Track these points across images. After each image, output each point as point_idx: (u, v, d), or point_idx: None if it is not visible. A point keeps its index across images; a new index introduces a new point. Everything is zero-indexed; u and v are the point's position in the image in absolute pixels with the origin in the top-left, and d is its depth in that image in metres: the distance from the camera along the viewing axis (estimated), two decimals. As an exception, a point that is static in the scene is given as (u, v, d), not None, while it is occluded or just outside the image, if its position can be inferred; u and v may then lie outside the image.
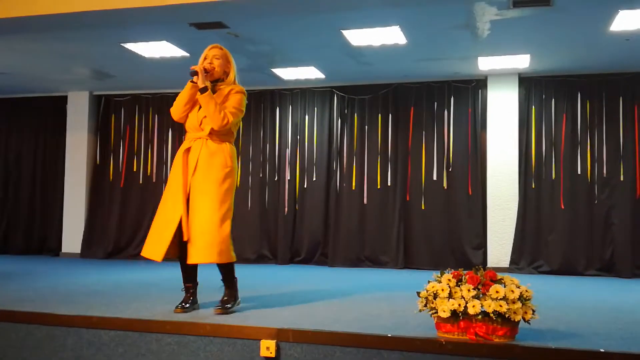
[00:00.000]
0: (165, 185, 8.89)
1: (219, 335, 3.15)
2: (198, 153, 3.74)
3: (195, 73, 3.76)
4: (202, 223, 3.61)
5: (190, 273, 3.85)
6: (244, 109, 3.92)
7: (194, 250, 3.60)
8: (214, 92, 3.81)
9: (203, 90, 3.71)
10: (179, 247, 3.72)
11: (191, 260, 3.62)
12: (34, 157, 9.50)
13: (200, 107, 3.77)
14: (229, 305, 3.77)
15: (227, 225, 3.69)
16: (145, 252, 3.73)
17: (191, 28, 6.09)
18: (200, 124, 3.78)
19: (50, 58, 7.44)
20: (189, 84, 3.80)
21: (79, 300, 4.26)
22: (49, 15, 5.33)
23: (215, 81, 3.90)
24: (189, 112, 3.84)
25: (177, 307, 3.75)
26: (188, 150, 3.78)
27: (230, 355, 3.11)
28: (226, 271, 3.84)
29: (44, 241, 9.33)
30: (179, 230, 3.65)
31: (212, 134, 3.76)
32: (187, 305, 3.78)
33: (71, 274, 6.45)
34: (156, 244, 3.66)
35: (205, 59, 3.88)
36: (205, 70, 3.80)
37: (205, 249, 3.59)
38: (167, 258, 3.72)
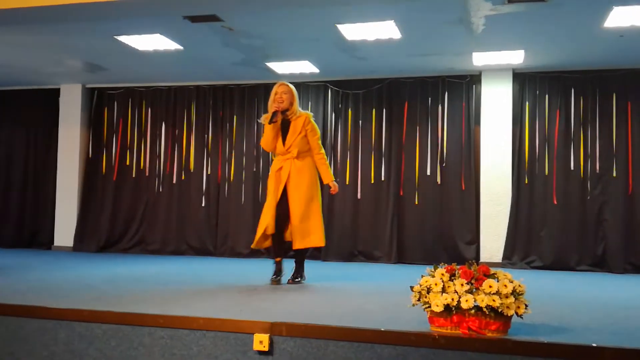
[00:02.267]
0: (158, 179, 8.88)
1: (212, 329, 3.14)
2: (289, 170, 5.03)
3: (275, 115, 5.01)
4: (299, 218, 4.97)
5: (280, 250, 5.17)
6: (318, 131, 5.22)
7: (295, 238, 5.01)
8: (287, 121, 5.07)
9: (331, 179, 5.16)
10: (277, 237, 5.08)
11: (295, 246, 5.06)
12: (26, 150, 9.44)
13: (283, 136, 5.07)
14: (298, 279, 5.15)
15: (318, 217, 5.04)
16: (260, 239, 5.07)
17: (185, 21, 6.06)
18: (288, 149, 5.05)
19: (42, 50, 7.39)
20: (269, 127, 5.07)
21: (71, 293, 4.24)
22: (41, 7, 5.28)
23: (284, 111, 5.06)
24: (276, 143, 5.09)
25: (272, 279, 5.06)
26: (280, 169, 5.06)
27: (224, 349, 3.10)
28: (302, 254, 5.22)
29: (36, 234, 9.29)
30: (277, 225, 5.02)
31: (297, 155, 5.04)
32: (279, 276, 5.08)
33: (63, 267, 6.42)
34: (264, 237, 5.07)
35: (276, 94, 5.04)
36: (275, 113, 5.04)
37: (303, 237, 4.99)
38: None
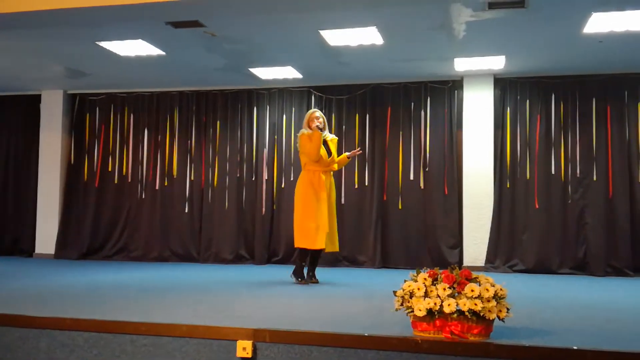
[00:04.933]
0: (141, 185, 8.81)
1: (195, 336, 3.12)
2: (330, 180, 5.87)
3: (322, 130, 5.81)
4: (334, 225, 5.85)
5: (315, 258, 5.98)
6: None
7: (336, 240, 5.88)
8: (324, 140, 5.82)
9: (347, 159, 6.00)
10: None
11: (333, 248, 5.92)
12: (7, 156, 9.34)
13: (329, 153, 5.83)
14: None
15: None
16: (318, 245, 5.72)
17: (167, 27, 6.04)
18: (330, 163, 5.84)
19: (23, 56, 7.32)
20: (318, 134, 5.71)
21: (53, 301, 4.20)
22: (22, 12, 5.24)
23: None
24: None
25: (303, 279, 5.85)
26: (322, 180, 5.75)
27: (207, 356, 3.09)
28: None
29: (16, 242, 9.18)
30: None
31: (334, 170, 5.93)
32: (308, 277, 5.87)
33: (45, 275, 6.36)
34: (321, 239, 5.67)
35: (316, 118, 5.80)
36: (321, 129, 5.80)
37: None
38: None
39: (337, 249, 6.00)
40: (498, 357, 2.76)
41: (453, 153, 7.94)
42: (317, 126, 5.70)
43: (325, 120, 5.91)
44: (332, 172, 5.92)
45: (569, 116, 7.68)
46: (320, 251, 5.84)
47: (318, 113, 5.87)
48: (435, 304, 2.87)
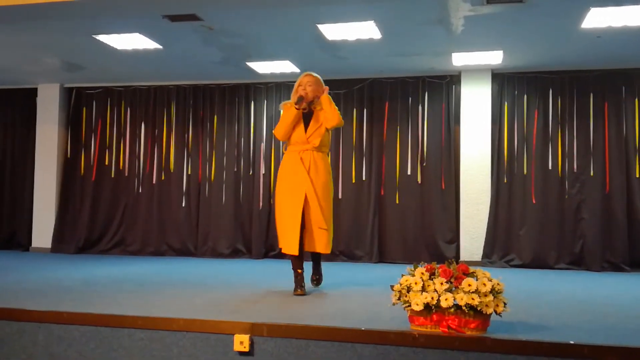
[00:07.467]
0: (138, 180, 8.76)
1: (192, 330, 3.13)
2: (308, 164, 4.56)
3: (302, 99, 4.59)
4: (320, 221, 4.52)
5: (301, 260, 4.61)
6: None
7: (317, 242, 4.53)
8: (311, 112, 4.67)
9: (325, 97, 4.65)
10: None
11: (318, 250, 4.55)
12: (3, 150, 9.31)
13: (305, 125, 4.64)
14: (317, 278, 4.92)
15: (330, 222, 4.63)
16: (287, 249, 4.54)
17: (165, 20, 6.02)
18: (308, 138, 4.61)
19: (19, 49, 7.29)
20: (293, 110, 4.63)
21: (50, 295, 4.19)
22: (18, 5, 5.22)
23: (309, 102, 4.69)
24: (292, 132, 4.65)
25: (295, 290, 4.49)
26: (297, 163, 4.57)
27: (204, 350, 3.09)
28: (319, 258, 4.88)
29: (13, 236, 9.16)
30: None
31: (316, 147, 4.61)
32: (303, 286, 4.52)
33: (41, 269, 6.35)
34: (292, 240, 4.48)
35: (299, 85, 4.68)
36: (301, 98, 4.62)
37: (326, 242, 4.55)
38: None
39: (317, 249, 4.58)
40: (495, 352, 2.77)
41: (450, 148, 7.94)
42: (298, 100, 4.58)
43: (320, 84, 4.72)
44: (319, 151, 4.64)
45: (566, 111, 7.69)
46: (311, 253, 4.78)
47: (306, 78, 4.68)
48: (432, 298, 2.88)
